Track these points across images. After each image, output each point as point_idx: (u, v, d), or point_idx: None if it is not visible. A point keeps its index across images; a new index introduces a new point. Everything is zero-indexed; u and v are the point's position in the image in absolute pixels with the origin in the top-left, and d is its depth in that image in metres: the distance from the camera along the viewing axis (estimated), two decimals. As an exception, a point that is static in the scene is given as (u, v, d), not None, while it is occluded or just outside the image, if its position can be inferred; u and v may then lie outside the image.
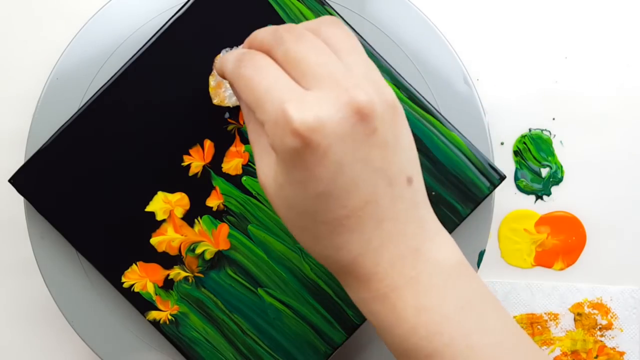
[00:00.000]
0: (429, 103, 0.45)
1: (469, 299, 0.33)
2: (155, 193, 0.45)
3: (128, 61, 0.45)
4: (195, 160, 0.45)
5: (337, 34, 0.33)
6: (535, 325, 0.51)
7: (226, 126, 0.45)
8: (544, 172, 0.51)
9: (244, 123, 0.45)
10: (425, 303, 0.32)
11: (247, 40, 0.35)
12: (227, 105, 0.42)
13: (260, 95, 0.31)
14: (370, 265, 0.32)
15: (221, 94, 0.42)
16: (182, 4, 0.45)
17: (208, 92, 0.45)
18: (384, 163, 0.31)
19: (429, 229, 0.33)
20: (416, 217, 0.33)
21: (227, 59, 0.34)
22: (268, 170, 0.33)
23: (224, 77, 0.35)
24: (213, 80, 0.43)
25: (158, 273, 0.45)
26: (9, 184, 0.46)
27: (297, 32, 0.32)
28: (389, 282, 0.32)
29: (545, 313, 0.51)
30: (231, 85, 0.35)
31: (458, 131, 0.45)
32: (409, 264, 0.32)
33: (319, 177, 0.31)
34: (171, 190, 0.45)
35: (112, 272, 0.45)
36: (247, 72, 0.32)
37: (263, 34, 0.33)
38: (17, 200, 0.50)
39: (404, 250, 0.32)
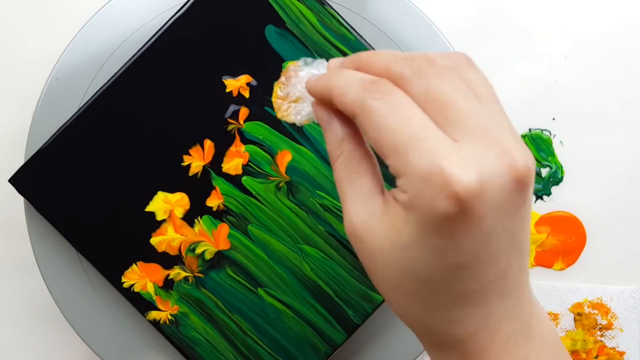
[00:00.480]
0: (429, 103, 0.45)
1: None
2: (155, 193, 0.45)
3: (128, 61, 0.45)
4: (195, 160, 0.45)
5: (472, 77, 0.28)
6: (535, 325, 0.51)
7: (226, 126, 0.45)
8: (544, 172, 0.51)
9: (244, 122, 0.45)
10: None
11: (357, 62, 0.29)
12: (291, 121, 0.35)
13: (403, 141, 0.26)
14: (485, 342, 0.29)
15: (287, 108, 0.35)
16: (182, 4, 0.45)
17: (208, 92, 0.45)
18: (523, 235, 0.28)
19: (532, 301, 0.30)
20: (527, 289, 0.30)
21: (345, 82, 0.28)
22: (373, 222, 0.28)
23: (324, 99, 0.30)
24: (280, 90, 0.35)
25: (158, 273, 0.45)
26: (9, 184, 0.46)
27: (440, 67, 0.27)
28: None
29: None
30: (319, 108, 0.30)
31: (458, 131, 0.45)
32: (521, 342, 0.29)
33: (463, 247, 0.27)
34: (171, 190, 0.45)
35: (112, 272, 0.45)
36: (384, 108, 0.27)
37: (388, 60, 0.28)
38: (17, 200, 0.50)
39: (517, 326, 0.29)
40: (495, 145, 0.26)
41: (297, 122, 0.35)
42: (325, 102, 0.30)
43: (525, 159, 0.26)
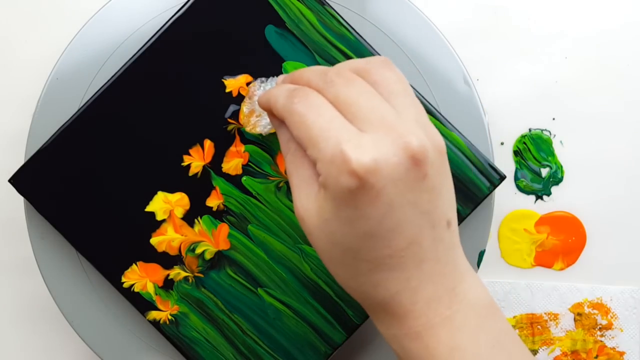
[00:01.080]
0: (429, 103, 0.45)
1: (498, 339, 0.34)
2: (155, 193, 0.45)
3: (128, 61, 0.45)
4: (195, 160, 0.45)
5: (387, 77, 0.34)
6: (535, 325, 0.51)
7: (226, 126, 0.45)
8: (544, 172, 0.51)
9: (243, 123, 0.45)
10: (458, 342, 0.33)
11: (290, 77, 0.36)
12: (259, 133, 0.42)
13: (315, 133, 0.32)
14: (407, 303, 0.33)
15: (253, 122, 0.42)
16: (182, 4, 0.45)
17: (208, 92, 0.45)
18: (430, 206, 0.32)
19: (461, 269, 0.34)
20: (452, 258, 0.34)
21: (276, 93, 0.35)
22: (309, 204, 0.34)
23: (267, 109, 0.36)
24: (246, 107, 0.42)
25: (158, 273, 0.45)
26: (9, 184, 0.46)
27: (347, 76, 0.33)
28: (424, 320, 0.33)
29: (545, 313, 0.51)
30: (271, 117, 0.36)
31: (458, 131, 0.45)
32: (445, 304, 0.33)
33: (369, 216, 0.31)
34: (171, 190, 0.45)
35: (112, 272, 0.45)
36: (301, 109, 0.33)
37: (310, 75, 0.34)
38: (17, 200, 0.50)
39: (440, 290, 0.33)
40: (393, 132, 0.31)
41: (263, 133, 0.41)
42: (271, 111, 0.36)
43: (420, 140, 0.31)
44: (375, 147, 0.31)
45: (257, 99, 0.40)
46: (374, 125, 0.32)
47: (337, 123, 0.32)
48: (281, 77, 0.37)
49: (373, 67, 0.34)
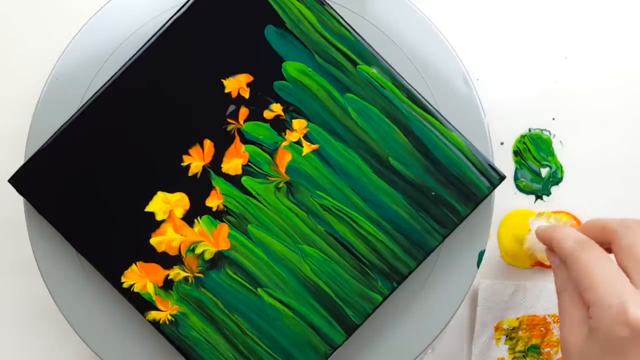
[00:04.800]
0: (429, 103, 0.45)
1: None
2: (155, 193, 0.45)
3: (128, 61, 0.45)
4: (195, 160, 0.45)
5: None
6: (538, 327, 0.51)
7: (226, 126, 0.45)
8: (544, 172, 0.51)
9: (244, 122, 0.45)
10: None
11: (591, 225, 0.40)
12: (538, 258, 0.47)
13: (596, 282, 0.36)
14: None
15: (534, 248, 0.47)
16: (182, 4, 0.45)
17: (207, 92, 0.45)
18: None
19: None
20: None
21: (563, 236, 0.39)
22: (575, 339, 0.37)
23: (548, 244, 0.41)
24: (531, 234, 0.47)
25: (158, 273, 0.45)
26: (9, 184, 0.46)
27: None
28: None
29: (548, 315, 0.51)
30: (550, 255, 0.42)
31: (458, 131, 0.45)
32: None
33: None
34: (171, 190, 0.45)
35: (112, 272, 0.45)
36: (587, 259, 0.37)
37: (608, 219, 0.39)
38: (17, 200, 0.50)
39: None
40: None
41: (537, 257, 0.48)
42: (549, 246, 0.41)
43: None
44: None
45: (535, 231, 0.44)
46: None
47: (620, 280, 0.35)
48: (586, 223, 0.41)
49: None
